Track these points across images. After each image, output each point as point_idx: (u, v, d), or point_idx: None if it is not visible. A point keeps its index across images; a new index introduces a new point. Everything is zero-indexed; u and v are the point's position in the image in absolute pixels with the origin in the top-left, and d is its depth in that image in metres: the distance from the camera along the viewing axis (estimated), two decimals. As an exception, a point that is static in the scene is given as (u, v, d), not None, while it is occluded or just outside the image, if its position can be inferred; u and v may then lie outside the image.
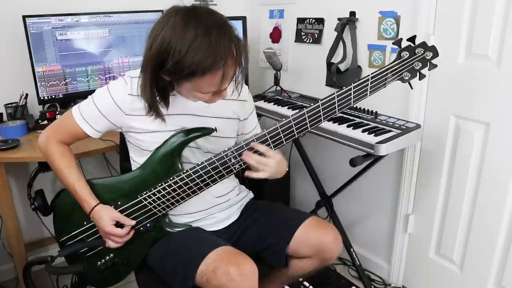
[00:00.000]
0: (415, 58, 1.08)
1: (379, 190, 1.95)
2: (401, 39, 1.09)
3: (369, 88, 1.06)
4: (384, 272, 2.01)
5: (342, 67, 1.91)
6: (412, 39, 1.07)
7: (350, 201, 2.10)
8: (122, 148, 1.35)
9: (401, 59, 1.07)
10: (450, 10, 1.50)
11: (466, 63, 1.49)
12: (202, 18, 0.94)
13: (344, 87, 1.05)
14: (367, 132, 1.47)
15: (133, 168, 1.23)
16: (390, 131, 1.48)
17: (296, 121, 1.06)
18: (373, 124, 1.56)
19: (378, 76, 1.06)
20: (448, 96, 1.57)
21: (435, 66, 1.09)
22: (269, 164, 1.07)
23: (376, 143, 1.39)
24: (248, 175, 1.08)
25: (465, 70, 1.49)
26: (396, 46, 1.10)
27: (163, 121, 1.11)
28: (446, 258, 1.72)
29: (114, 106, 1.11)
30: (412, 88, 1.15)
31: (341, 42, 1.87)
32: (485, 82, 1.44)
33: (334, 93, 1.05)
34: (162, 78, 1.00)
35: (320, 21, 2.01)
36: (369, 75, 1.06)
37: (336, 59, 1.92)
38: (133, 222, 1.16)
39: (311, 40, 2.08)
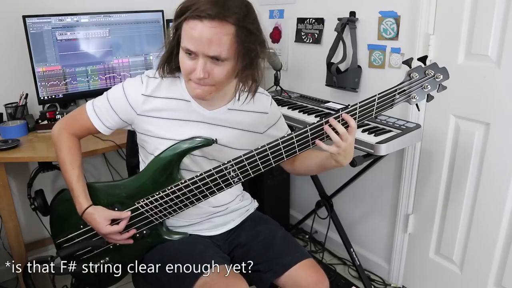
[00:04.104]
0: (424, 80, 1.02)
1: (379, 190, 1.95)
2: (411, 58, 1.04)
3: (375, 109, 1.00)
4: (384, 272, 2.01)
5: (342, 67, 1.91)
6: (423, 59, 1.03)
7: (350, 201, 2.10)
8: (129, 143, 1.36)
9: (411, 80, 1.01)
10: (450, 10, 1.50)
11: (466, 63, 1.49)
12: None
13: (349, 106, 0.99)
14: (367, 132, 1.47)
15: (141, 167, 1.22)
16: (390, 131, 1.48)
17: (298, 138, 1.00)
18: (373, 124, 1.56)
19: (386, 97, 1.00)
20: (448, 96, 1.55)
21: (445, 88, 1.04)
22: (349, 138, 0.99)
23: (376, 143, 1.39)
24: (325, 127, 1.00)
25: (465, 70, 1.49)
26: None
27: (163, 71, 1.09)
28: (446, 258, 1.72)
29: (127, 104, 1.10)
30: (419, 110, 1.10)
31: (341, 42, 1.87)
32: (485, 82, 1.44)
33: (339, 112, 0.99)
34: (178, 44, 1.00)
35: (320, 21, 2.01)
36: (376, 95, 0.99)
37: (336, 59, 1.91)
38: (128, 213, 1.14)
39: (311, 40, 2.08)
